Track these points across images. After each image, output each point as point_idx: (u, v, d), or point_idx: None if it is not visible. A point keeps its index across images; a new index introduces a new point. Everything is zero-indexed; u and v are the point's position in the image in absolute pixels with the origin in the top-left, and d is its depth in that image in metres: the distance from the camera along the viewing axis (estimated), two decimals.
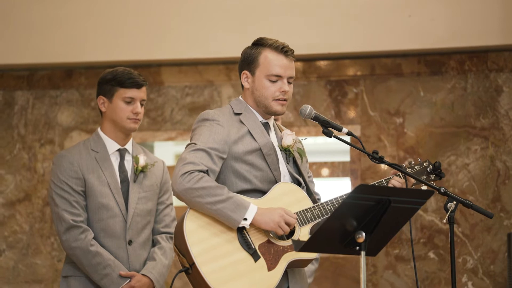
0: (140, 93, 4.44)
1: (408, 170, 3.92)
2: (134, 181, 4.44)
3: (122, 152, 4.48)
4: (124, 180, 4.44)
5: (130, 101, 4.41)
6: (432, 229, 6.79)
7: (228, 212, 3.59)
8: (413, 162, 3.94)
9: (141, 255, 4.42)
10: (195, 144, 3.70)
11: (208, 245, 3.60)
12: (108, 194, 4.37)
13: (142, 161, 4.46)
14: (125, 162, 4.47)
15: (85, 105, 7.20)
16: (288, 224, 3.65)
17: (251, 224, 3.62)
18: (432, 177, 3.94)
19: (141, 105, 4.45)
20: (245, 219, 3.61)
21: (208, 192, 3.59)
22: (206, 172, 3.64)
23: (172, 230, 4.53)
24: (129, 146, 4.51)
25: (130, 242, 4.38)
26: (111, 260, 4.30)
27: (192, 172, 3.60)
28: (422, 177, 3.90)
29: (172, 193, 4.61)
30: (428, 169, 3.93)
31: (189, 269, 3.60)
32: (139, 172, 4.46)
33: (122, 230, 4.37)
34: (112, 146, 4.47)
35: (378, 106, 6.96)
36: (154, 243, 4.51)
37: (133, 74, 4.44)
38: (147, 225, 4.46)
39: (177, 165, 3.65)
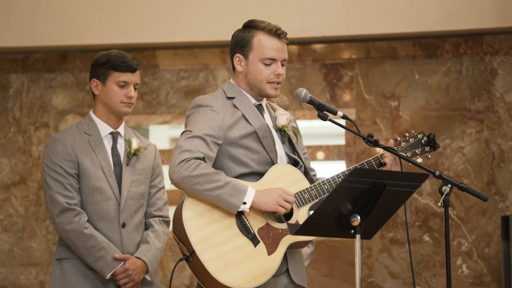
0: (134, 77, 4.43)
1: (403, 143, 3.92)
2: (127, 164, 4.44)
3: (114, 135, 4.47)
4: (117, 163, 4.44)
5: (124, 85, 4.41)
6: (427, 212, 6.80)
7: (227, 197, 3.60)
8: (407, 135, 3.95)
9: (135, 238, 4.43)
10: (190, 131, 3.70)
11: (208, 232, 3.61)
12: (102, 177, 4.37)
13: (135, 144, 4.46)
14: (118, 145, 4.47)
15: (80, 88, 7.19)
16: (288, 203, 3.66)
17: (251, 208, 3.63)
18: (427, 148, 3.94)
19: (135, 89, 4.45)
20: (244, 203, 3.61)
21: (206, 179, 3.59)
22: (203, 159, 3.64)
23: (165, 213, 4.54)
24: (121, 129, 4.50)
25: (123, 225, 4.38)
26: (105, 243, 4.30)
27: (189, 160, 3.60)
28: (417, 150, 3.91)
29: (164, 176, 4.63)
30: (422, 141, 3.94)
31: (190, 257, 3.60)
32: (132, 155, 4.46)
33: (115, 213, 4.37)
34: (104, 129, 4.46)
35: (373, 89, 6.96)
36: (147, 227, 4.51)
37: (127, 58, 4.43)
38: (140, 208, 4.47)
39: (174, 154, 3.65)
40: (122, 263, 4.31)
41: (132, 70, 4.42)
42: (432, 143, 3.94)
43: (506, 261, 6.25)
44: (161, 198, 4.59)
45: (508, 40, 6.78)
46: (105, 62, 4.41)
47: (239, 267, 3.59)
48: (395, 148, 3.90)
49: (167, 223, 4.57)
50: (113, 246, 4.32)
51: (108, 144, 4.45)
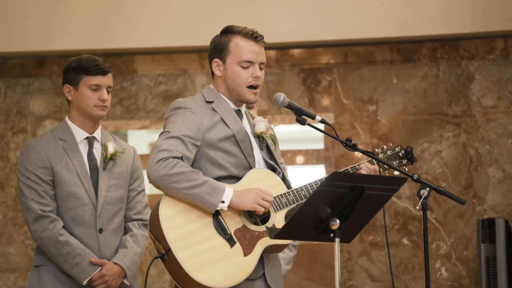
0: (106, 80, 4.41)
1: (381, 155, 3.94)
2: (104, 169, 4.42)
3: (90, 140, 4.45)
4: (94, 168, 4.42)
5: (96, 88, 4.39)
6: (405, 215, 6.83)
7: (205, 196, 3.60)
8: (385, 147, 3.97)
9: (113, 243, 4.41)
10: (168, 132, 3.70)
11: (184, 231, 3.60)
12: (77, 183, 4.35)
13: (111, 148, 4.44)
14: (94, 150, 4.45)
15: (57, 93, 7.16)
16: (266, 202, 3.66)
17: (229, 208, 3.63)
18: (404, 161, 3.96)
19: (108, 92, 4.43)
20: (223, 201, 3.62)
21: (184, 177, 3.59)
22: (181, 158, 3.64)
23: (145, 217, 4.53)
24: (97, 134, 4.48)
25: (100, 230, 4.36)
26: (81, 249, 4.28)
27: (167, 159, 3.61)
28: (394, 162, 3.93)
29: (144, 180, 4.61)
30: (400, 154, 3.96)
31: (165, 255, 3.60)
32: (109, 159, 4.44)
33: (92, 218, 4.35)
34: (80, 134, 4.44)
35: (352, 94, 6.99)
36: (126, 231, 4.49)
37: (98, 61, 4.41)
38: (118, 213, 4.44)
39: (152, 153, 3.65)
40: (98, 269, 4.30)
41: (103, 72, 4.40)
42: (409, 156, 3.96)
43: (488, 264, 6.28)
44: (141, 202, 4.57)
45: (484, 45, 6.83)
46: (76, 66, 4.40)
47: (215, 266, 3.59)
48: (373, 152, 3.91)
49: (146, 226, 4.54)
50: (90, 252, 4.30)
51: (84, 149, 4.43)
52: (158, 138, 3.73)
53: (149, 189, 6.76)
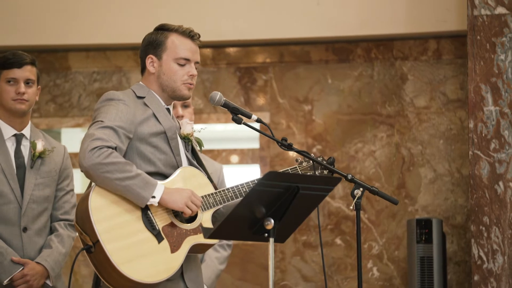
0: (23, 73, 4.33)
1: (304, 163, 3.95)
2: (31, 167, 4.35)
3: (18, 137, 4.38)
4: (20, 166, 4.34)
5: (12, 82, 4.33)
6: (339, 215, 6.88)
7: (137, 189, 3.57)
8: (299, 160, 3.97)
9: (37, 243, 4.34)
10: (102, 121, 3.65)
11: (113, 223, 3.57)
12: (2, 180, 4.28)
13: (39, 146, 4.36)
14: (22, 147, 4.38)
15: None
16: (195, 206, 3.66)
17: (159, 203, 3.61)
18: (326, 172, 3.97)
19: (27, 84, 4.35)
20: (154, 197, 3.59)
21: (117, 168, 3.55)
22: (115, 149, 3.61)
23: (72, 217, 4.44)
24: (26, 131, 4.41)
25: (25, 229, 4.29)
26: (3, 248, 4.21)
27: (101, 147, 3.56)
28: (317, 172, 3.93)
29: (74, 180, 4.56)
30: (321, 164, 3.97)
31: (92, 247, 3.55)
32: (37, 158, 4.37)
33: (16, 217, 4.28)
34: (7, 131, 4.37)
35: (287, 93, 7.01)
36: (52, 230, 4.42)
37: (16, 54, 4.35)
38: (44, 212, 4.38)
39: (85, 141, 3.59)
40: (20, 269, 4.23)
41: (19, 65, 4.33)
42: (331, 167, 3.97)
43: (423, 264, 6.35)
44: (69, 201, 4.50)
45: (418, 46, 6.92)
46: None
47: (143, 261, 3.57)
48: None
49: (73, 226, 4.46)
50: (12, 251, 4.23)
51: (11, 146, 4.36)
52: (89, 128, 3.67)
53: (80, 189, 6.69)
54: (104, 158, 3.55)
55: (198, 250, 3.77)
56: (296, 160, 3.96)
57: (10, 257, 4.21)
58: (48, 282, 4.33)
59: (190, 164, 3.86)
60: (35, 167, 4.36)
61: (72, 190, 4.55)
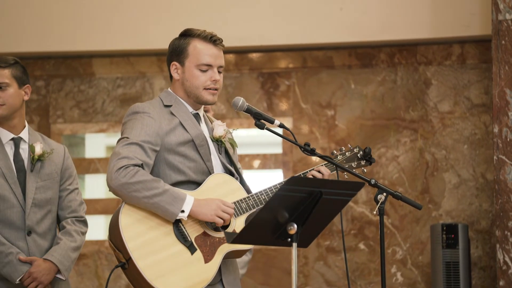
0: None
1: (339, 156, 3.95)
2: (31, 170, 4.36)
3: (16, 141, 4.39)
4: (21, 170, 4.35)
5: None
6: (362, 220, 6.87)
7: (166, 205, 3.58)
8: (343, 149, 3.98)
9: (42, 246, 4.34)
10: (127, 138, 3.67)
11: (144, 239, 3.58)
12: (3, 184, 4.29)
13: (38, 149, 4.36)
14: (21, 151, 4.38)
15: None
16: (227, 214, 3.65)
17: (189, 216, 3.62)
18: (363, 162, 3.98)
19: (1, 87, 4.34)
20: (183, 211, 3.60)
21: (144, 186, 3.57)
22: (141, 166, 3.61)
23: (81, 213, 4.46)
24: (24, 134, 4.41)
25: (29, 233, 4.31)
26: (13, 248, 4.24)
27: (127, 167, 3.57)
28: (353, 163, 3.95)
29: (77, 177, 4.56)
30: (358, 155, 3.98)
31: (126, 264, 3.57)
32: (36, 161, 4.37)
33: (20, 220, 4.29)
34: (5, 135, 4.37)
35: (310, 98, 7.01)
36: (60, 230, 4.43)
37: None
38: (48, 215, 4.38)
39: (111, 161, 3.61)
40: (28, 268, 4.26)
41: None
42: (367, 157, 3.98)
43: (449, 269, 6.33)
44: (75, 200, 4.48)
45: (441, 51, 6.89)
46: None
47: (176, 274, 3.58)
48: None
49: (82, 222, 4.46)
50: (19, 251, 4.25)
51: (10, 150, 4.36)
52: (116, 145, 3.69)
53: (104, 193, 6.71)
54: (130, 178, 3.57)
55: (234, 255, 3.77)
56: (332, 153, 3.96)
57: (18, 257, 4.24)
58: (60, 276, 4.33)
59: (224, 167, 3.86)
60: (35, 170, 4.37)
61: (77, 188, 4.53)
